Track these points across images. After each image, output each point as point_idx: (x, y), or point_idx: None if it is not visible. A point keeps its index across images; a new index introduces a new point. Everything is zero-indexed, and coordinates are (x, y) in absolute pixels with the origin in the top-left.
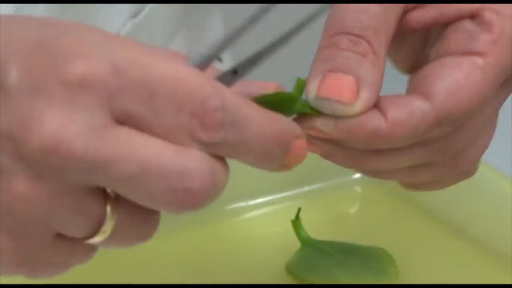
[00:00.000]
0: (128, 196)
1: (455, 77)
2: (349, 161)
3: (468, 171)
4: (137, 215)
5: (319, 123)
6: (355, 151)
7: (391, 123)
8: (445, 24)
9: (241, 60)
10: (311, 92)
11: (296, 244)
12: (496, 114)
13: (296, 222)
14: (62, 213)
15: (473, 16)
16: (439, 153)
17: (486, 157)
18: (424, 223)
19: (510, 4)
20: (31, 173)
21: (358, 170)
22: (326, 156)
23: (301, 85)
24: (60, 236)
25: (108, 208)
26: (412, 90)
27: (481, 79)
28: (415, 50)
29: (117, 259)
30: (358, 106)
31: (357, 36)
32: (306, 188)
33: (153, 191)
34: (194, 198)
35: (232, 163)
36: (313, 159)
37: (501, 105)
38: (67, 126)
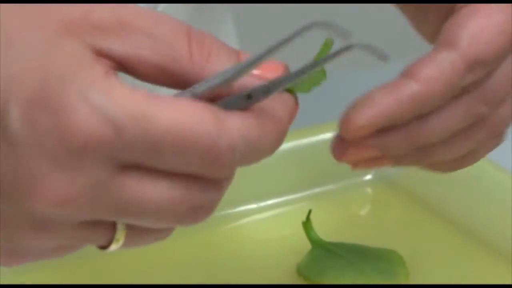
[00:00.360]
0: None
1: (476, 21)
2: (406, 143)
3: (502, 133)
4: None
5: (360, 118)
6: (407, 129)
7: (423, 81)
8: None
9: (256, 86)
10: None
11: (307, 246)
12: None
13: (306, 224)
14: (68, 242)
15: None
16: (482, 102)
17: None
18: (434, 225)
19: None
20: (35, 220)
21: (423, 161)
22: (386, 151)
23: (330, 45)
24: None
25: (119, 226)
26: (437, 45)
27: (502, 18)
28: (441, 18)
29: (125, 260)
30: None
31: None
32: (316, 190)
33: (163, 224)
34: (200, 220)
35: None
36: (323, 161)
37: None
38: (71, 188)
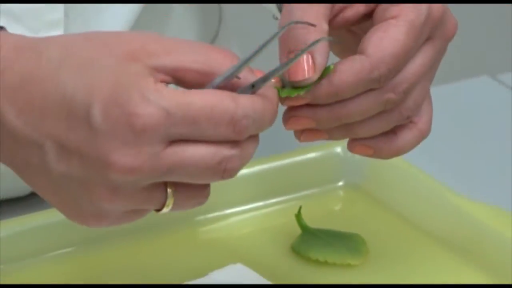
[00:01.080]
0: (185, 181)
1: (378, 34)
2: (331, 119)
3: (424, 130)
4: (191, 191)
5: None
6: (331, 108)
7: (338, 72)
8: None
9: (257, 78)
10: (285, 74)
11: (297, 231)
12: (431, 68)
13: (298, 215)
14: (135, 205)
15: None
16: (390, 91)
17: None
18: (388, 217)
19: None
20: (111, 185)
21: (342, 130)
22: (318, 124)
23: None
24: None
25: (169, 191)
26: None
27: (397, 31)
28: (351, 45)
29: (120, 261)
30: (317, 73)
31: (297, 15)
32: (304, 192)
33: (204, 179)
34: (230, 173)
35: (250, 171)
36: (309, 172)
37: (436, 60)
38: (137, 159)
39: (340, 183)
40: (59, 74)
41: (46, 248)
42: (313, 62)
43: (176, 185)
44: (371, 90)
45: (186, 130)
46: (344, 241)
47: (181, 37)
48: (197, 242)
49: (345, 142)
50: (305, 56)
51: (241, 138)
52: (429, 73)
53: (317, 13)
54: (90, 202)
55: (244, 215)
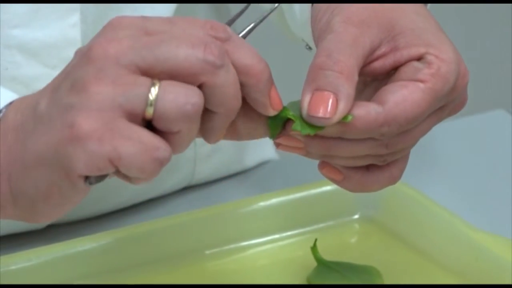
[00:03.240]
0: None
1: (402, 92)
2: (323, 150)
3: (394, 176)
4: (179, 85)
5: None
6: (327, 141)
7: (354, 118)
8: (396, 68)
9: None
10: (304, 109)
11: (314, 263)
12: (429, 128)
13: (314, 248)
14: (120, 89)
15: (419, 58)
16: (385, 147)
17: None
18: (402, 250)
19: (447, 50)
20: (99, 74)
21: (323, 155)
22: (306, 147)
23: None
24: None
25: (154, 81)
26: (372, 100)
27: (421, 97)
28: (358, 89)
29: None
30: (337, 117)
31: (336, 59)
32: (320, 225)
33: (186, 56)
34: (215, 59)
35: (266, 204)
36: (325, 205)
37: (436, 123)
38: (121, 45)
39: (356, 216)
40: None
41: (60, 281)
42: (336, 105)
43: (162, 81)
44: (369, 138)
45: (162, 28)
46: (360, 274)
47: None
48: (213, 274)
49: None
50: (331, 96)
51: (218, 34)
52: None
53: (356, 58)
54: (77, 93)
55: (260, 247)
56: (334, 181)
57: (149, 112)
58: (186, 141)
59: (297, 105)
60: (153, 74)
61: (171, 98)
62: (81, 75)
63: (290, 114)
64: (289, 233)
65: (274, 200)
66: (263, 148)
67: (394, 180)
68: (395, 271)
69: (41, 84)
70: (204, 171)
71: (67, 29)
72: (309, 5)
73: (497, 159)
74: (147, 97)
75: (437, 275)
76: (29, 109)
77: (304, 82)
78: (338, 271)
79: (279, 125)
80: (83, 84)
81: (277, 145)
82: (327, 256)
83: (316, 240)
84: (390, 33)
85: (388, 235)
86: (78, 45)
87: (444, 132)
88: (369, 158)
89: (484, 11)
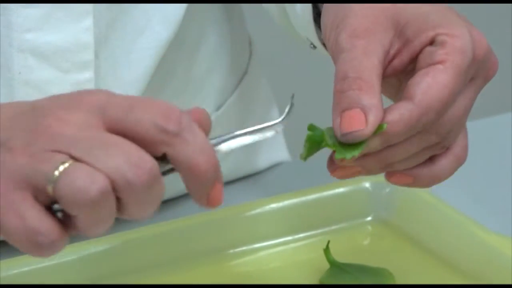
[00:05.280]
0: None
1: (426, 80)
2: (379, 163)
3: (460, 156)
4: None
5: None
6: (379, 154)
7: (389, 125)
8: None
9: (219, 138)
10: (337, 131)
11: (326, 265)
12: (470, 102)
13: (326, 250)
14: (35, 164)
15: (431, 42)
16: (434, 135)
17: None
18: (415, 251)
19: (456, 25)
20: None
21: (383, 167)
22: (364, 169)
23: (313, 129)
24: None
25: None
26: (399, 99)
27: (445, 78)
28: (396, 87)
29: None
30: (369, 128)
31: (352, 77)
32: (333, 227)
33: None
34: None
35: (279, 205)
36: (338, 206)
37: (475, 95)
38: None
39: (369, 218)
40: None
41: (75, 283)
42: (366, 118)
43: (75, 163)
44: (418, 133)
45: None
46: (372, 276)
47: (211, 73)
48: (225, 276)
49: (373, 177)
50: (358, 111)
51: (171, 128)
52: (468, 110)
53: (372, 68)
54: (2, 151)
55: (273, 249)
56: (406, 185)
57: (49, 190)
58: (91, 226)
59: (333, 131)
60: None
61: (69, 181)
62: (18, 136)
63: (329, 143)
64: (301, 235)
65: (286, 202)
66: (275, 150)
67: (461, 159)
68: (408, 273)
69: (53, 88)
70: None
71: (80, 33)
72: (310, 4)
73: (510, 161)
74: (51, 174)
75: (449, 277)
76: None
77: (332, 109)
78: (351, 273)
79: (314, 149)
80: (11, 147)
81: (335, 175)
82: (339, 258)
83: (328, 242)
84: (397, 28)
85: (400, 237)
86: (91, 48)
87: None
88: (427, 151)
89: (485, 11)
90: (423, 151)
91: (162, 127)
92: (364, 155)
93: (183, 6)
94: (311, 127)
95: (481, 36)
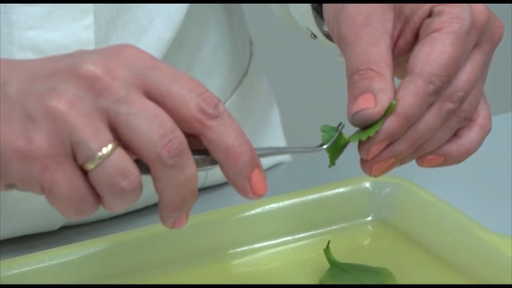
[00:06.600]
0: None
1: (424, 49)
2: (408, 147)
3: (484, 125)
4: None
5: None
6: (405, 137)
7: (399, 101)
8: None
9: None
10: (348, 114)
11: (326, 265)
12: (482, 71)
13: (327, 250)
14: (83, 134)
15: (429, 15)
16: (448, 101)
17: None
18: (416, 251)
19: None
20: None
21: (413, 152)
22: (397, 157)
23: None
24: None
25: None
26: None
27: (442, 43)
28: (405, 67)
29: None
30: (378, 108)
31: (363, 70)
32: (333, 227)
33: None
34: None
35: (279, 205)
36: (338, 206)
37: (486, 64)
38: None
39: (369, 218)
40: None
41: (75, 282)
42: (375, 98)
43: (117, 149)
44: (431, 105)
45: (163, 81)
46: (373, 276)
47: (212, 73)
48: (225, 275)
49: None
50: (367, 94)
51: (209, 111)
52: (481, 76)
53: (381, 57)
54: (47, 104)
55: (273, 249)
56: (439, 165)
57: (89, 166)
58: (115, 207)
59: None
60: (115, 131)
61: (104, 170)
62: (62, 89)
63: (346, 138)
64: (302, 235)
65: (287, 202)
66: None
67: (486, 128)
68: (408, 273)
69: None
70: (217, 173)
71: (80, 31)
72: None
73: (510, 161)
74: (95, 154)
75: (450, 277)
76: None
77: (347, 98)
78: (351, 273)
79: (337, 152)
80: (57, 100)
81: (373, 174)
82: (340, 258)
83: (329, 242)
84: (395, 9)
85: (401, 237)
86: (92, 47)
87: None
88: (450, 124)
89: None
90: (447, 126)
91: (202, 107)
92: (392, 143)
93: (185, 6)
94: (325, 128)
95: (482, 5)
